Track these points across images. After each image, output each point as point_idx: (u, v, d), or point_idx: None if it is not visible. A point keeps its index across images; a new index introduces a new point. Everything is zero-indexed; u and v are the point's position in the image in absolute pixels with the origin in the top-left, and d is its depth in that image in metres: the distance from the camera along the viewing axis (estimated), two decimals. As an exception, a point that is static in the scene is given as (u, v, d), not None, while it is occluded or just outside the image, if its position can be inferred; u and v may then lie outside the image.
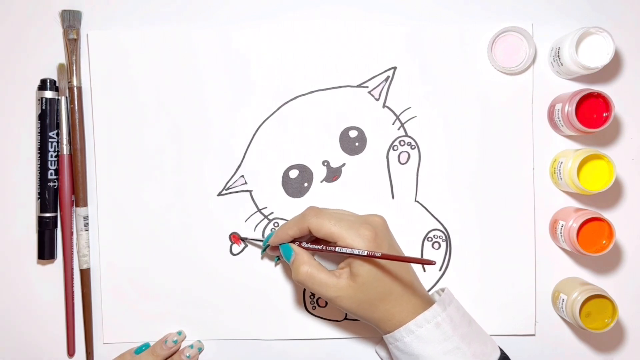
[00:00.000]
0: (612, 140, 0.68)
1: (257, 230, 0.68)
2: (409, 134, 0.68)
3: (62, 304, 0.69)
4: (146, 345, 0.67)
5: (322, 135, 0.68)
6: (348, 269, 0.59)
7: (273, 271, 0.68)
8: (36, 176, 0.68)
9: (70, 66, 0.67)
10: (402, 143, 0.68)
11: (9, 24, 0.68)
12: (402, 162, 0.68)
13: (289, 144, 0.68)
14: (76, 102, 0.67)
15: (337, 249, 0.58)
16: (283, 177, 0.68)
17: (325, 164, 0.68)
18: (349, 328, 0.69)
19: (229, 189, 0.68)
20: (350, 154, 0.68)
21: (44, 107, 0.67)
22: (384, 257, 0.56)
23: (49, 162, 0.67)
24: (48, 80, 0.67)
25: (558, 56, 0.65)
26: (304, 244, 0.62)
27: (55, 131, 0.67)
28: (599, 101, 0.63)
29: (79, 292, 0.69)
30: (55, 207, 0.68)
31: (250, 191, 0.68)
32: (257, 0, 0.68)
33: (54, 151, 0.67)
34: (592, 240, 0.63)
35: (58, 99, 0.67)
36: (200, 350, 0.68)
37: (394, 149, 0.68)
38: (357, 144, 0.68)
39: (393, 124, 0.68)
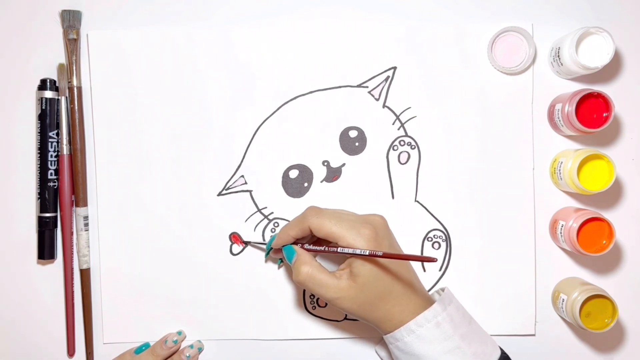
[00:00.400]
0: (612, 140, 0.68)
1: (257, 230, 0.68)
2: (409, 134, 0.68)
3: (62, 304, 0.69)
4: (146, 345, 0.67)
5: (322, 135, 0.68)
6: (348, 269, 0.59)
7: (273, 271, 0.69)
8: (36, 176, 0.68)
9: (70, 66, 0.67)
10: (402, 143, 0.68)
11: (9, 24, 0.68)
12: (402, 162, 0.68)
13: (289, 144, 0.68)
14: (76, 102, 0.68)
15: (338, 250, 0.58)
16: (283, 177, 0.68)
17: (325, 164, 0.68)
18: (349, 328, 0.69)
19: (229, 189, 0.68)
20: (350, 154, 0.68)
21: (44, 107, 0.67)
22: (386, 256, 0.56)
23: (49, 162, 0.67)
24: (48, 80, 0.67)
25: (558, 56, 0.65)
26: (306, 246, 0.62)
27: (55, 131, 0.67)
28: (599, 101, 0.63)
29: (79, 292, 0.69)
30: (55, 207, 0.68)
31: (250, 191, 0.68)
32: (257, 0, 0.68)
33: (54, 151, 0.67)
34: (592, 240, 0.63)
35: (58, 99, 0.67)
36: (200, 350, 0.68)
37: (394, 149, 0.68)
38: (357, 144, 0.68)
39: (393, 124, 0.68)
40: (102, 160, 0.68)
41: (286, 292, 0.69)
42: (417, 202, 0.68)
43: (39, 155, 0.67)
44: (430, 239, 0.68)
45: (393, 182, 0.68)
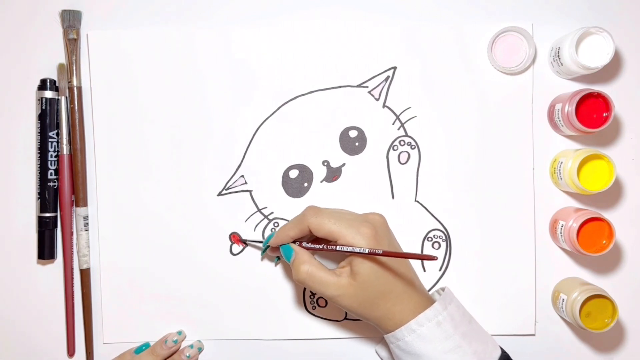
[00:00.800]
0: (612, 140, 0.68)
1: (257, 230, 0.68)
2: (409, 134, 0.68)
3: (62, 304, 0.69)
4: (146, 345, 0.68)
5: (322, 135, 0.68)
6: (349, 267, 0.59)
7: (273, 271, 0.69)
8: (36, 176, 0.68)
9: (70, 66, 0.67)
10: (402, 143, 0.68)
11: (9, 24, 0.68)
12: (402, 162, 0.68)
13: (289, 144, 0.68)
14: (76, 102, 0.68)
15: (338, 248, 0.58)
16: (283, 177, 0.68)
17: (325, 164, 0.68)
18: (349, 328, 0.69)
19: (229, 189, 0.68)
20: (350, 154, 0.68)
21: (44, 107, 0.67)
22: (385, 254, 0.57)
23: (49, 162, 0.67)
24: (48, 80, 0.67)
25: (558, 56, 0.65)
26: (304, 244, 0.62)
27: (55, 131, 0.67)
28: (599, 101, 0.63)
29: (79, 292, 0.69)
30: (55, 207, 0.68)
31: (250, 191, 0.68)
32: (257, 0, 0.68)
33: (54, 151, 0.67)
34: (592, 240, 0.63)
35: (58, 99, 0.67)
36: (200, 350, 0.68)
37: (394, 149, 0.68)
38: (357, 144, 0.68)
39: (393, 123, 0.68)
40: (102, 160, 0.68)
41: (286, 292, 0.69)
42: (417, 202, 0.68)
43: (39, 155, 0.67)
44: (430, 239, 0.68)
45: (393, 182, 0.68)
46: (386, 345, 0.65)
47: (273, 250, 0.65)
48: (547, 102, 0.68)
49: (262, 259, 0.68)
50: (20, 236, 0.69)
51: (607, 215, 0.66)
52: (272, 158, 0.68)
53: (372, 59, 0.68)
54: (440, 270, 0.68)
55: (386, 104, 0.68)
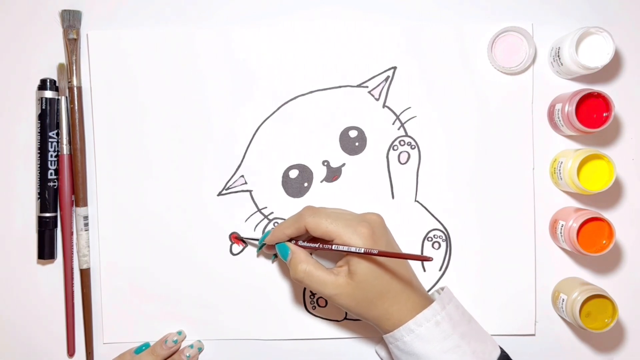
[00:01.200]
0: (612, 140, 0.68)
1: (257, 230, 0.68)
2: (409, 134, 0.68)
3: (62, 304, 0.69)
4: (146, 345, 0.67)
5: (322, 135, 0.68)
6: (346, 267, 0.59)
7: (273, 271, 0.69)
8: (36, 176, 0.68)
9: (70, 66, 0.67)
10: (402, 143, 0.68)
11: (9, 24, 0.68)
12: (402, 162, 0.68)
13: (289, 144, 0.68)
14: (76, 102, 0.68)
15: (333, 247, 0.58)
16: (283, 177, 0.68)
17: (325, 164, 0.68)
18: (349, 328, 0.69)
19: (229, 188, 0.68)
20: (350, 154, 0.68)
21: (44, 107, 0.67)
22: (381, 254, 0.57)
23: (49, 162, 0.67)
24: (48, 80, 0.67)
25: (558, 56, 0.65)
26: (300, 243, 0.62)
27: (55, 131, 0.67)
28: (599, 101, 0.63)
29: (79, 292, 0.69)
30: (55, 207, 0.68)
31: (250, 191, 0.68)
32: (257, 0, 0.68)
33: (54, 151, 0.67)
34: (592, 240, 0.63)
35: (58, 99, 0.67)
36: (200, 350, 0.68)
37: (394, 149, 0.68)
38: (357, 143, 0.68)
39: (393, 123, 0.68)
40: (102, 160, 0.68)
41: (286, 292, 0.69)
42: (417, 202, 0.68)
43: (39, 155, 0.67)
44: (430, 239, 0.68)
45: (393, 182, 0.68)
46: (386, 345, 0.65)
47: (269, 249, 0.65)
48: (547, 102, 0.68)
49: (257, 256, 0.68)
50: (20, 236, 0.69)
51: (607, 215, 0.66)
52: (272, 158, 0.68)
53: (372, 59, 0.68)
54: (440, 270, 0.68)
55: (386, 104, 0.68)
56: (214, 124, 0.68)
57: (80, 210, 0.68)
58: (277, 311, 0.69)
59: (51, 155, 0.67)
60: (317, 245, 0.60)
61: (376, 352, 0.68)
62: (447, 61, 0.68)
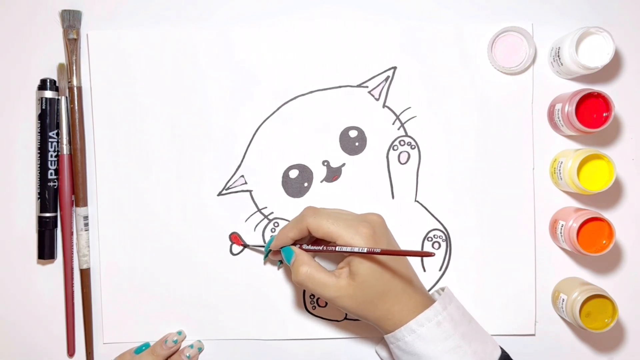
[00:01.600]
0: (612, 140, 0.68)
1: (257, 230, 0.68)
2: (409, 134, 0.68)
3: (62, 304, 0.69)
4: (146, 345, 0.67)
5: (322, 135, 0.68)
6: (347, 268, 0.59)
7: (273, 271, 0.69)
8: (36, 176, 0.68)
9: (70, 66, 0.67)
10: (402, 143, 0.68)
11: (9, 24, 0.68)
12: (402, 162, 0.68)
13: (289, 144, 0.68)
14: (76, 102, 0.68)
15: (337, 248, 0.58)
16: (283, 177, 0.68)
17: (325, 164, 0.68)
18: (349, 328, 0.69)
19: (229, 189, 0.68)
20: (350, 154, 0.68)
21: (44, 107, 0.67)
22: (384, 252, 0.57)
23: (49, 162, 0.67)
24: (48, 80, 0.67)
25: (558, 56, 0.65)
26: (304, 246, 0.62)
27: (55, 131, 0.67)
28: (599, 101, 0.63)
29: (79, 292, 0.69)
30: (55, 207, 0.68)
31: (250, 191, 0.68)
32: (257, 0, 0.68)
33: (54, 151, 0.67)
34: (592, 240, 0.63)
35: (58, 99, 0.67)
36: (200, 350, 0.68)
37: (394, 149, 0.68)
38: (357, 143, 0.68)
39: (393, 123, 0.68)
40: (102, 160, 0.68)
41: (286, 292, 0.69)
42: (417, 202, 0.68)
43: (39, 155, 0.67)
44: (430, 239, 0.68)
45: (393, 182, 0.68)
46: (386, 345, 0.65)
47: (275, 254, 0.65)
48: (547, 102, 0.68)
49: (264, 263, 0.68)
50: (20, 236, 0.69)
51: (607, 215, 0.66)
52: (272, 158, 0.68)
53: (372, 59, 0.68)
54: (440, 270, 0.68)
55: (386, 104, 0.68)
56: (214, 124, 0.68)
57: (80, 210, 0.68)
58: (277, 311, 0.69)
59: (51, 155, 0.67)
60: (320, 247, 0.60)
61: (376, 352, 0.68)
62: (447, 61, 0.68)
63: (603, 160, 0.63)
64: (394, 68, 0.68)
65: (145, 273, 0.69)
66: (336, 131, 0.68)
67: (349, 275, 0.59)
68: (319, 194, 0.68)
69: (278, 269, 0.68)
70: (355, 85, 0.68)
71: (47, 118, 0.67)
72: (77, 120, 0.67)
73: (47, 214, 0.67)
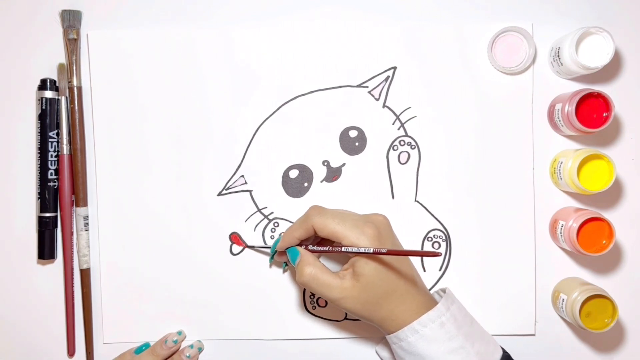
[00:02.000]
0: (612, 140, 0.68)
1: (257, 230, 0.68)
2: (409, 134, 0.68)
3: (62, 304, 0.69)
4: (146, 345, 0.68)
5: (322, 135, 0.68)
6: (351, 269, 0.59)
7: (273, 271, 0.68)
8: (36, 176, 0.68)
9: (70, 66, 0.67)
10: (402, 143, 0.68)
11: (9, 23, 0.68)
12: (402, 162, 0.68)
13: (289, 144, 0.68)
14: (76, 102, 0.68)
15: (343, 249, 0.58)
16: (283, 177, 0.68)
17: (325, 164, 0.68)
18: (349, 328, 0.69)
19: (229, 188, 0.68)
20: (350, 154, 0.68)
21: (44, 107, 0.67)
22: (390, 252, 0.56)
23: (49, 162, 0.67)
24: (48, 80, 0.67)
25: (558, 56, 0.65)
26: (310, 247, 0.62)
27: (55, 131, 0.67)
28: (599, 101, 0.63)
29: (79, 292, 0.69)
30: (55, 207, 0.68)
31: (250, 191, 0.68)
32: (257, 0, 0.68)
33: (54, 151, 0.67)
34: (592, 240, 0.63)
35: (58, 99, 0.67)
36: (200, 350, 0.68)
37: (394, 149, 0.68)
38: (357, 143, 0.68)
39: (393, 123, 0.68)
40: (102, 160, 0.68)
41: (286, 292, 0.69)
42: (417, 202, 0.68)
43: (39, 155, 0.67)
44: (430, 239, 0.68)
45: (393, 182, 0.68)
46: (387, 345, 0.65)
47: (280, 256, 0.65)
48: (547, 102, 0.68)
49: (270, 266, 0.68)
50: (20, 236, 0.69)
51: (607, 215, 0.66)
52: (272, 158, 0.68)
53: (372, 59, 0.68)
54: (440, 270, 0.68)
55: (386, 104, 0.68)
56: (214, 124, 0.68)
57: (80, 210, 0.68)
58: (277, 311, 0.69)
59: (51, 155, 0.67)
60: (326, 248, 0.60)
61: (376, 353, 0.68)
62: (447, 61, 0.68)
63: (603, 160, 0.63)
64: (394, 68, 0.68)
65: (145, 273, 0.69)
66: (336, 131, 0.68)
67: (353, 277, 0.58)
68: (319, 194, 0.68)
69: (284, 271, 0.68)
70: (355, 85, 0.68)
71: (47, 118, 0.67)
72: (77, 120, 0.67)
73: (47, 214, 0.67)
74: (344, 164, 0.68)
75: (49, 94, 0.67)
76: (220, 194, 0.68)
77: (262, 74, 0.68)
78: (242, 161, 0.68)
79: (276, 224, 0.68)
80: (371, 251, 0.57)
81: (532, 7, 0.68)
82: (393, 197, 0.68)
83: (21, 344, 0.70)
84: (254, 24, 0.68)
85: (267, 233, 0.68)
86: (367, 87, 0.68)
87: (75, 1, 0.68)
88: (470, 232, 0.68)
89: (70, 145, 0.68)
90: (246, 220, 0.68)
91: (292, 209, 0.68)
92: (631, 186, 0.68)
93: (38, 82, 0.67)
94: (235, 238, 0.68)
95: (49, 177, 0.67)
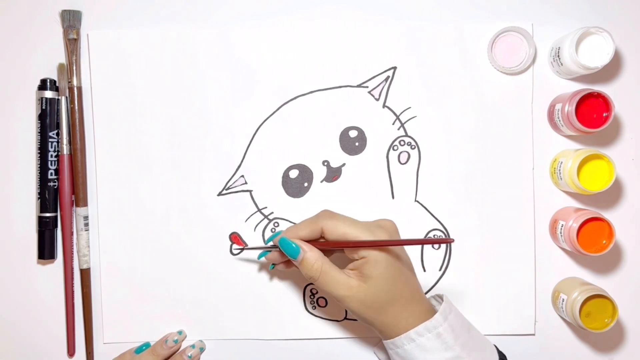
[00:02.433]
0: (612, 140, 0.68)
1: (257, 230, 0.68)
2: (409, 134, 0.68)
3: (62, 304, 0.69)
4: (146, 345, 0.67)
5: (322, 135, 0.68)
6: (357, 271, 0.58)
7: (273, 271, 0.69)
8: (36, 176, 0.68)
9: (70, 66, 0.67)
10: (402, 143, 0.68)
11: (9, 23, 0.68)
12: (402, 162, 0.68)
13: (289, 144, 0.68)
14: (76, 102, 0.68)
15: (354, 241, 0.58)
16: (283, 177, 0.68)
17: (325, 164, 0.68)
18: (349, 328, 0.69)
19: (229, 188, 0.68)
20: (350, 154, 0.68)
21: (44, 107, 0.67)
22: (402, 242, 0.57)
23: (49, 162, 0.67)
24: (48, 80, 0.67)
25: (558, 56, 0.65)
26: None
27: (55, 131, 0.67)
28: (599, 101, 0.63)
29: (79, 292, 0.69)
30: (55, 207, 0.68)
31: (250, 191, 0.68)
32: (257, 0, 0.68)
33: (54, 151, 0.67)
34: (592, 240, 0.63)
35: (58, 99, 0.67)
36: (202, 350, 0.68)
37: (394, 149, 0.68)
38: (357, 144, 0.68)
39: (393, 124, 0.68)
40: (102, 160, 0.68)
41: (286, 292, 0.69)
42: (417, 202, 0.68)
43: (39, 155, 0.67)
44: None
45: (393, 182, 0.68)
46: (384, 347, 0.65)
47: (273, 255, 0.64)
48: (547, 102, 0.68)
49: (258, 258, 0.66)
50: (20, 236, 0.69)
51: (607, 215, 0.66)
52: (272, 158, 0.68)
53: (372, 59, 0.68)
54: (440, 270, 0.68)
55: (386, 104, 0.68)
56: (214, 124, 0.68)
57: (80, 210, 0.68)
58: (277, 311, 0.69)
59: (51, 155, 0.67)
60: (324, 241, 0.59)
61: (375, 354, 0.68)
62: (447, 61, 0.68)
63: (603, 160, 0.63)
64: (394, 68, 0.68)
65: (145, 273, 0.69)
66: (336, 131, 0.68)
67: (359, 278, 0.58)
68: (319, 194, 0.68)
69: (271, 269, 0.67)
70: (355, 85, 0.68)
71: (47, 118, 0.67)
72: (77, 120, 0.67)
73: (47, 214, 0.67)
74: (344, 164, 0.68)
75: (49, 94, 0.67)
76: (220, 194, 0.68)
77: (262, 74, 0.68)
78: (242, 161, 0.68)
79: (276, 224, 0.68)
80: (386, 238, 0.57)
81: (532, 7, 0.68)
82: (393, 197, 0.68)
83: (21, 344, 0.70)
84: (253, 24, 0.68)
85: (267, 233, 0.68)
86: (367, 87, 0.68)
87: (75, 1, 0.68)
88: (470, 232, 0.68)
89: (70, 145, 0.68)
90: (246, 220, 0.68)
91: (292, 209, 0.68)
92: (631, 186, 0.68)
93: (38, 82, 0.67)
94: (235, 238, 0.68)
95: (49, 177, 0.67)
